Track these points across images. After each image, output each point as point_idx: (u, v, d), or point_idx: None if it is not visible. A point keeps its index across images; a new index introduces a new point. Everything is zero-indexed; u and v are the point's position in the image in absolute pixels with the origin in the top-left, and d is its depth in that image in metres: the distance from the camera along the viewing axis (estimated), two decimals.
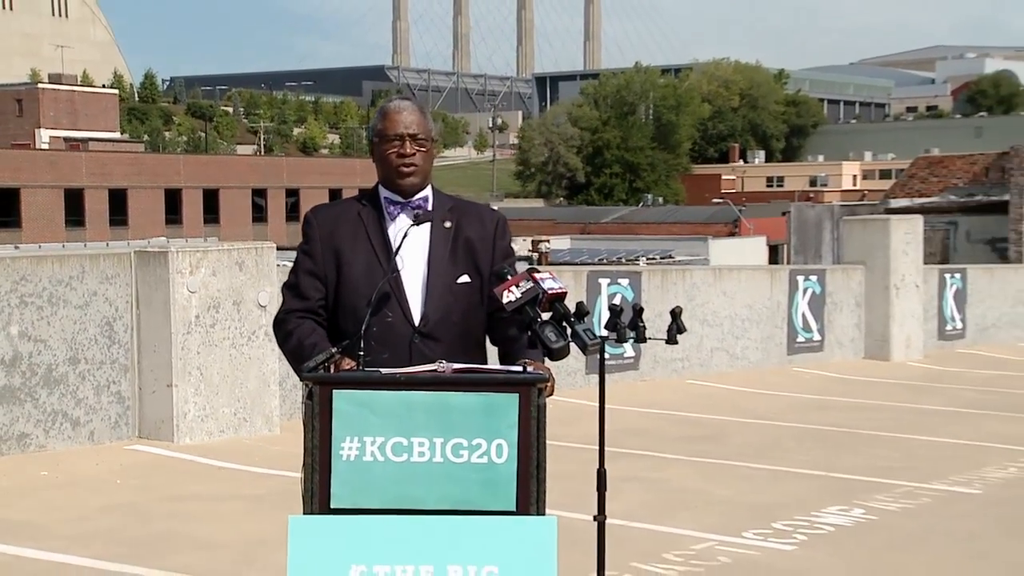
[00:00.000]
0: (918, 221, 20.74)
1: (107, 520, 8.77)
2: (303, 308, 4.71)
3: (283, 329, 4.69)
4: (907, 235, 19.84)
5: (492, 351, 4.80)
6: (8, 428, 10.46)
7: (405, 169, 4.63)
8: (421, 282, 4.66)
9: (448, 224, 4.72)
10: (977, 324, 22.06)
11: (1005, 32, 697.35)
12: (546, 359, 4.47)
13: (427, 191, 4.75)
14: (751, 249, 53.32)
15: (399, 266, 4.62)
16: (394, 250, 4.60)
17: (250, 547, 7.90)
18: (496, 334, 4.80)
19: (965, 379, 17.65)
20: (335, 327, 4.65)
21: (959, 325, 21.67)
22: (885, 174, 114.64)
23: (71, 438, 10.87)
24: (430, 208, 4.71)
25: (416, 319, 4.64)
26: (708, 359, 16.56)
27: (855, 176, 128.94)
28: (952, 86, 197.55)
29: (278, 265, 11.88)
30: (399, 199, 4.70)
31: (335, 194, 72.61)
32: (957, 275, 22.18)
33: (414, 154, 4.62)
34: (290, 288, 4.76)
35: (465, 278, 4.67)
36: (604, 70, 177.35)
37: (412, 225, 4.60)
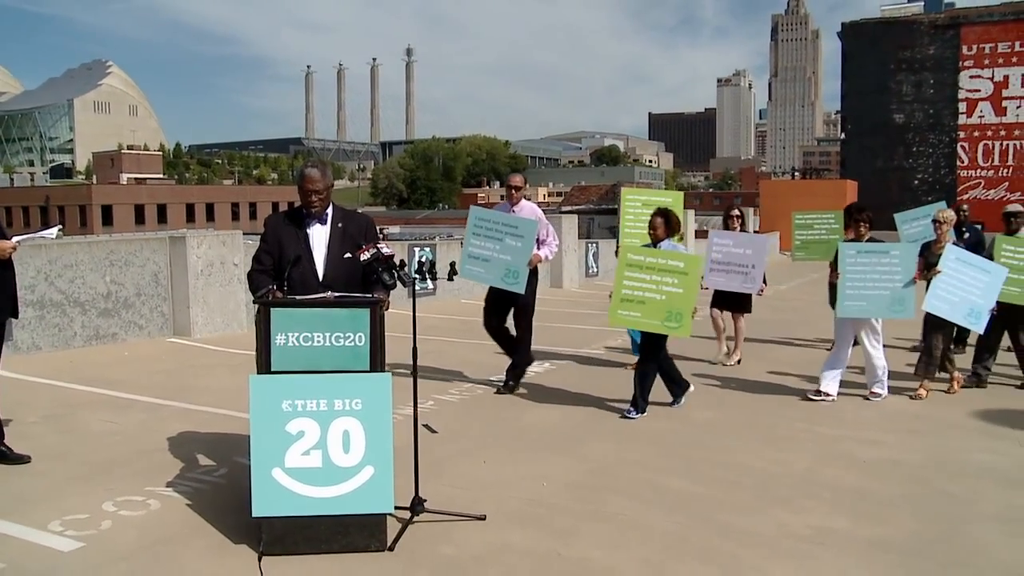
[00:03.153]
0: (575, 217, 21.10)
1: (157, 378, 8.46)
2: (261, 269, 4.74)
3: (250, 278, 4.75)
4: (570, 225, 20.03)
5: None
6: (106, 330, 10.13)
7: (312, 208, 4.72)
8: (323, 258, 4.73)
9: (340, 225, 4.80)
10: (604, 269, 22.44)
11: (614, 125, 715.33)
12: (386, 291, 4.52)
13: (329, 210, 4.80)
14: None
15: (312, 249, 4.73)
16: (309, 240, 4.74)
17: (231, 391, 7.64)
18: (363, 278, 4.73)
19: (591, 297, 17.86)
20: (280, 280, 4.62)
21: (595, 270, 22.00)
22: (559, 195, 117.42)
23: (138, 335, 10.45)
24: (330, 218, 4.78)
25: (320, 278, 4.70)
26: (472, 288, 16.39)
27: (545, 195, 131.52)
28: (590, 151, 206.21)
29: (244, 243, 11.58)
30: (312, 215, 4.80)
31: (275, 205, 74.79)
32: (594, 244, 22.50)
33: (316, 200, 4.69)
34: (255, 259, 4.81)
35: (348, 255, 4.70)
36: (416, 139, 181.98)
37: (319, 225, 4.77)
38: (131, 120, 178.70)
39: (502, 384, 8.07)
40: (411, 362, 4.78)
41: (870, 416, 7.27)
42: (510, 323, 8.09)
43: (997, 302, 7.89)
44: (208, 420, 6.78)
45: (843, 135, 51.71)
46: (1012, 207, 9.19)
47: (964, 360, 8.89)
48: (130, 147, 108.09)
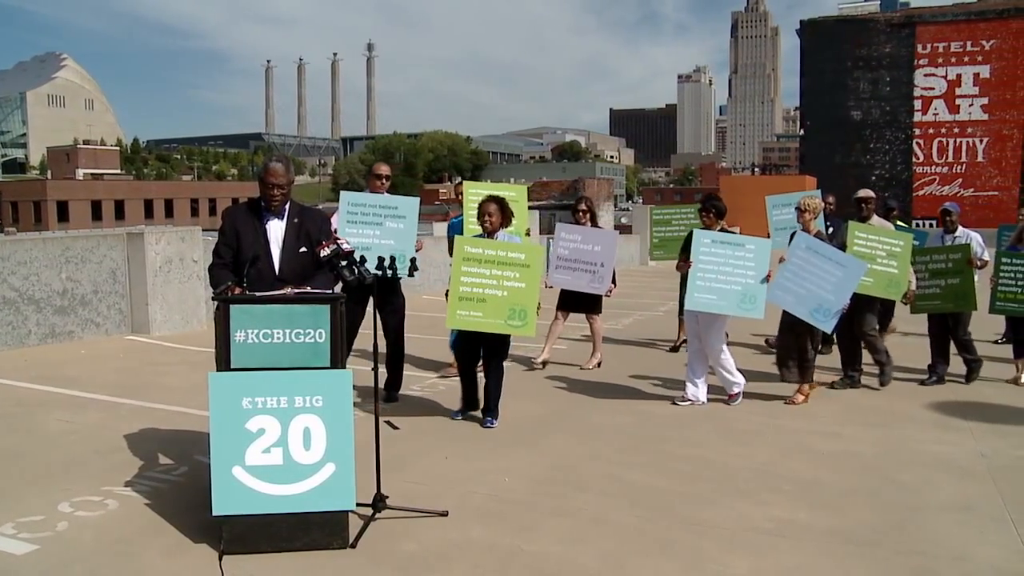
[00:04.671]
0: (537, 213, 20.96)
1: (115, 376, 8.32)
2: (220, 263, 4.71)
3: (210, 272, 4.72)
4: (532, 220, 19.61)
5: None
6: (63, 328, 9.95)
7: (272, 202, 4.70)
8: (278, 251, 4.71)
9: (296, 220, 4.77)
10: None
11: (575, 120, 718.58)
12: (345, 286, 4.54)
13: (287, 205, 4.77)
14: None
15: (269, 243, 4.70)
16: (267, 234, 4.71)
17: (191, 389, 7.54)
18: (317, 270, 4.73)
19: (551, 292, 17.65)
20: (238, 272, 4.58)
21: None
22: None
23: (96, 333, 10.28)
24: (286, 213, 4.76)
25: (277, 271, 4.70)
26: (433, 284, 16.31)
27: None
28: (551, 147, 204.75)
29: (204, 239, 11.44)
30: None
31: (235, 200, 73.25)
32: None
33: (278, 195, 4.68)
34: (215, 253, 4.77)
35: (303, 249, 4.70)
36: (377, 135, 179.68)
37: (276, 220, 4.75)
38: (87, 114, 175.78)
39: (385, 398, 7.29)
40: (371, 359, 4.77)
41: (828, 409, 7.37)
42: None
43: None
44: (167, 418, 6.69)
45: (802, 131, 52.41)
46: (863, 192, 8.56)
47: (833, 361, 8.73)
48: (86, 142, 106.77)
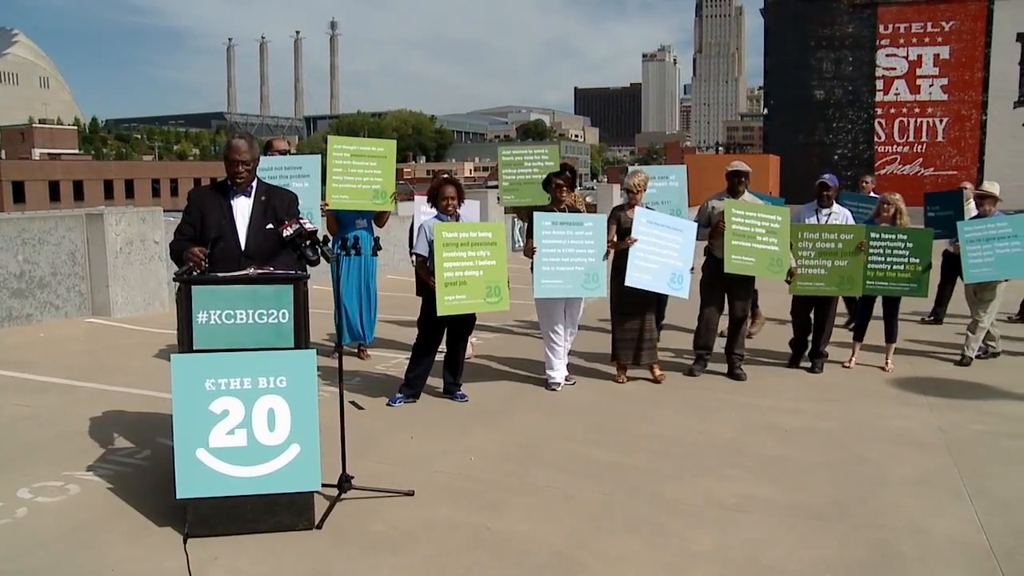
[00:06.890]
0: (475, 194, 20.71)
1: (75, 359, 8.21)
2: (182, 239, 4.67)
3: (172, 249, 4.64)
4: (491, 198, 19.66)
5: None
6: (20, 311, 9.81)
7: (238, 180, 4.66)
8: (245, 228, 4.65)
9: (263, 198, 4.73)
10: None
11: (540, 99, 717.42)
12: (308, 266, 4.47)
13: (252, 183, 4.75)
14: (419, 204, 53.41)
15: (235, 221, 4.65)
16: (232, 212, 4.66)
17: (153, 371, 7.48)
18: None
19: (515, 272, 17.45)
20: None
21: (521, 244, 21.64)
22: (486, 169, 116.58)
23: (55, 316, 10.13)
24: (253, 191, 4.72)
25: (243, 248, 4.63)
26: (397, 263, 16.30)
27: (471, 169, 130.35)
28: (516, 126, 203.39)
29: (165, 220, 11.26)
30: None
31: (197, 181, 70.82)
32: (517, 220, 22.09)
33: (243, 172, 4.64)
34: (177, 231, 4.74)
35: (270, 226, 4.64)
36: (342, 114, 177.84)
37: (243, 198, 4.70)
38: (42, 92, 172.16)
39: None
40: (335, 337, 4.75)
41: (791, 386, 7.47)
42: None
43: (727, 274, 7.31)
44: (129, 401, 6.62)
45: (766, 111, 52.68)
46: (737, 164, 7.82)
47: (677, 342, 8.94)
48: (42, 121, 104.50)
